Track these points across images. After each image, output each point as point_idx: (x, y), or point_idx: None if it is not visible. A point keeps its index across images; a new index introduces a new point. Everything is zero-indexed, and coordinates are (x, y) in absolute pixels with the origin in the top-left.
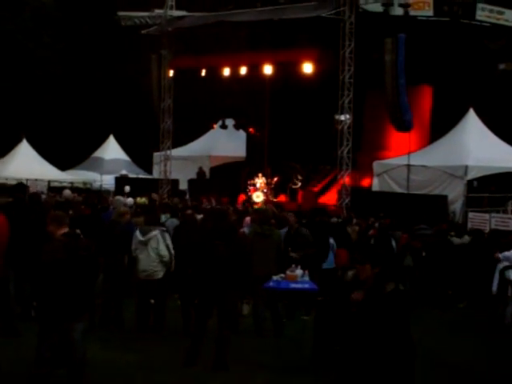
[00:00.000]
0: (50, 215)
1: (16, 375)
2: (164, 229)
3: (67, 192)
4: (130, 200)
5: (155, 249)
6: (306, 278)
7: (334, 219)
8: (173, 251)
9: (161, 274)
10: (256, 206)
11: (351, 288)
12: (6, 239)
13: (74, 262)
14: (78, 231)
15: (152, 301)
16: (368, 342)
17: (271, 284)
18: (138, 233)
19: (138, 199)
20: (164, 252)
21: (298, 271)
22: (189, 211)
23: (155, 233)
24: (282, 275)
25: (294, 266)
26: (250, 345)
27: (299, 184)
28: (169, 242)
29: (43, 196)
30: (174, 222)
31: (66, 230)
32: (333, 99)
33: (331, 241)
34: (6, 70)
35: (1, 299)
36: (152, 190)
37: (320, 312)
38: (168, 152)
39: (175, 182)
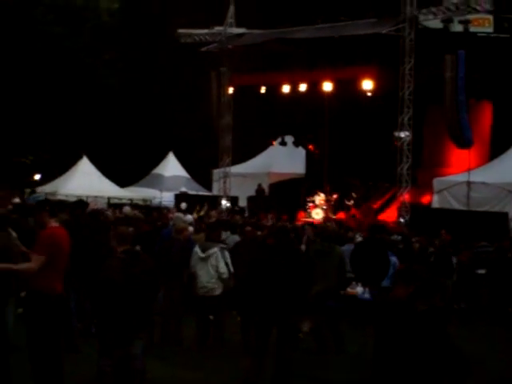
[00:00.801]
0: (113, 231)
1: None
2: (224, 246)
3: (127, 209)
4: (189, 217)
5: (214, 266)
6: (367, 296)
7: (395, 236)
8: (232, 269)
9: (219, 291)
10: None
11: (389, 309)
12: (68, 255)
13: (133, 279)
14: (138, 248)
15: (211, 317)
16: (401, 363)
17: (332, 301)
18: (197, 249)
19: (195, 214)
20: (223, 269)
21: (359, 288)
22: (248, 228)
23: (215, 250)
24: (343, 292)
25: (354, 283)
26: (311, 362)
27: (352, 201)
28: (228, 259)
29: (107, 213)
30: (235, 238)
31: (126, 247)
32: (392, 116)
33: (394, 258)
34: (66, 88)
35: (62, 316)
36: (211, 207)
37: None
38: (227, 169)
39: (234, 199)
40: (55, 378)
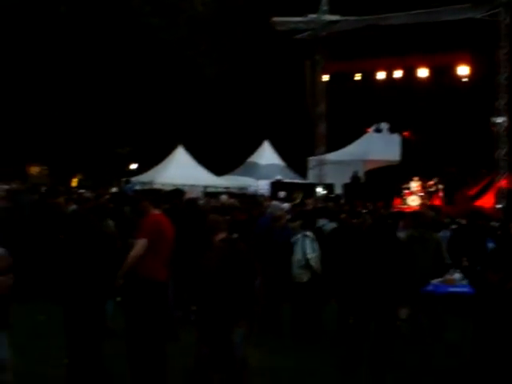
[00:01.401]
0: (208, 220)
1: (176, 379)
2: (307, 233)
3: (224, 197)
4: (286, 205)
5: (297, 252)
6: (465, 282)
7: (493, 223)
8: (310, 255)
9: (305, 278)
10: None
11: (483, 292)
12: (171, 242)
13: (232, 267)
14: (235, 236)
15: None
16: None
17: (429, 288)
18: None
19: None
20: (299, 257)
21: (457, 275)
22: (343, 215)
23: (297, 237)
24: (441, 279)
25: (452, 269)
26: (408, 349)
27: (434, 187)
28: (307, 247)
29: (200, 201)
30: (333, 225)
31: (224, 235)
32: (488, 101)
33: (492, 245)
34: (165, 80)
35: (163, 303)
36: (307, 194)
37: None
38: (323, 157)
39: (330, 187)
40: (156, 365)
